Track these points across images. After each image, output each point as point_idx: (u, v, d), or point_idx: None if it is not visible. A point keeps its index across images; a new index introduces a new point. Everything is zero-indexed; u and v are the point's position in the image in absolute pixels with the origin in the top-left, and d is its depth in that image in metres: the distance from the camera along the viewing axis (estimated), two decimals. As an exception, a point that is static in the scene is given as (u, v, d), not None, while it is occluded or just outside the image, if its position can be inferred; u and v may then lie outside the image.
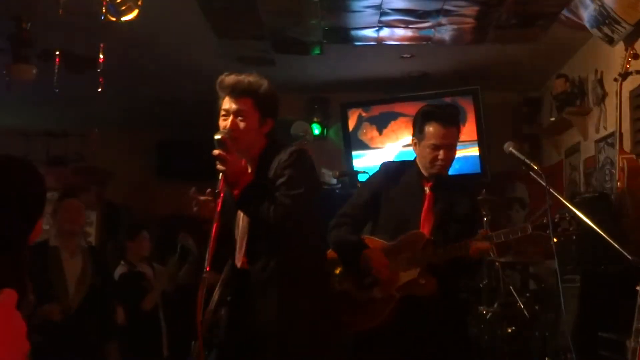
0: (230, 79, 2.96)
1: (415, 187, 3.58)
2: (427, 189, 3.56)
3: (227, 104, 2.94)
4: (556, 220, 3.30)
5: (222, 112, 2.95)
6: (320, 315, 2.93)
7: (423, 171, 3.59)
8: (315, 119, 7.60)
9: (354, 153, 7.31)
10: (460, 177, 4.01)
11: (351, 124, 7.31)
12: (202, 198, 2.96)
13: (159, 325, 5.62)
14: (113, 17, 4.54)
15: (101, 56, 5.41)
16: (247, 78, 2.96)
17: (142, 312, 5.48)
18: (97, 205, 8.77)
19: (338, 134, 7.60)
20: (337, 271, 3.61)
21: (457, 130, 3.59)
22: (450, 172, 3.68)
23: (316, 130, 7.55)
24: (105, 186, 8.90)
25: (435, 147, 3.49)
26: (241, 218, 2.99)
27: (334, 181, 6.55)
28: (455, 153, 3.59)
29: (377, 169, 3.83)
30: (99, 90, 5.47)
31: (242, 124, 2.91)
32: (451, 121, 3.55)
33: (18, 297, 1.48)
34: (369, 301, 3.49)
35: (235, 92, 2.93)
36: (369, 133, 7.30)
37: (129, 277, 5.61)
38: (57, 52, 5.67)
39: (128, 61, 6.48)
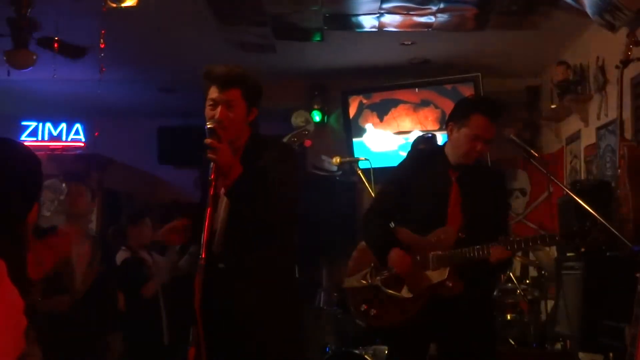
0: (219, 69, 2.97)
1: (443, 177, 3.55)
2: (453, 179, 3.53)
3: (215, 93, 2.94)
4: (586, 228, 3.25)
5: (209, 102, 2.95)
6: (293, 317, 3.00)
7: (451, 159, 3.55)
8: (315, 106, 7.59)
9: (354, 140, 7.31)
10: (487, 167, 3.98)
11: (352, 110, 7.31)
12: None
13: (159, 313, 5.62)
14: (113, 3, 4.53)
15: (102, 42, 5.39)
16: (235, 69, 2.99)
17: (143, 299, 5.49)
18: (98, 191, 8.76)
19: (339, 120, 7.59)
20: (372, 264, 3.62)
21: (497, 125, 3.54)
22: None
23: (317, 117, 7.54)
24: (106, 172, 8.89)
25: (476, 138, 3.44)
26: (222, 208, 2.98)
27: (334, 168, 6.54)
28: (489, 148, 3.54)
29: (405, 156, 3.81)
30: (99, 77, 5.46)
31: (231, 114, 2.93)
32: (497, 117, 3.51)
33: (19, 279, 1.49)
34: (397, 298, 3.50)
35: (225, 82, 2.94)
36: (370, 120, 7.30)
37: (131, 263, 5.62)
38: (56, 39, 5.65)
39: (129, 47, 6.47)
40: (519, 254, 5.06)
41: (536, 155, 3.46)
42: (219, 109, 2.92)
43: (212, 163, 2.81)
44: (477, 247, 3.35)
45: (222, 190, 2.92)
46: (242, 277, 2.92)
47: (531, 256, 5.64)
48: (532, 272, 5.71)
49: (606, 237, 3.24)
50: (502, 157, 6.57)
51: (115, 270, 5.25)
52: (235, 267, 2.93)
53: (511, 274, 5.15)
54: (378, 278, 3.57)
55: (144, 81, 7.63)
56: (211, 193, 2.78)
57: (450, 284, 3.41)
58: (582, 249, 3.24)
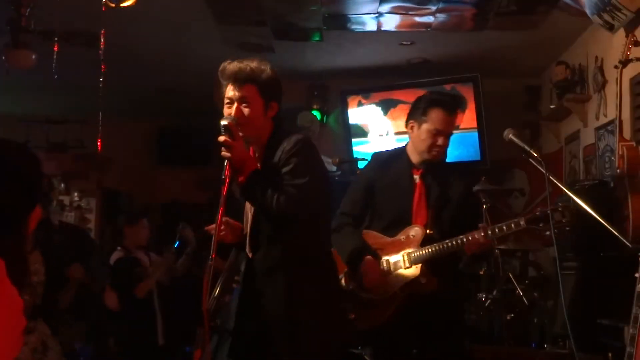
0: (232, 66, 2.95)
1: (405, 176, 3.61)
2: (417, 178, 3.60)
3: (231, 91, 2.94)
4: (549, 211, 3.31)
5: (226, 100, 2.95)
6: (326, 307, 2.91)
7: (413, 158, 3.62)
8: (314, 106, 7.58)
9: (353, 140, 7.31)
10: (451, 164, 4.05)
11: (351, 110, 7.30)
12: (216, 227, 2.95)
13: (154, 313, 5.60)
14: (112, 3, 4.52)
15: (102, 41, 5.38)
16: (249, 65, 2.96)
17: (136, 299, 5.47)
18: (97, 191, 8.77)
19: (337, 120, 7.58)
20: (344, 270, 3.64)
21: (457, 118, 3.65)
22: (451, 159, 3.70)
23: (316, 116, 7.53)
24: (105, 173, 8.89)
25: (437, 133, 3.52)
26: (249, 206, 2.99)
27: (334, 168, 6.54)
28: (449, 142, 3.62)
29: (369, 160, 3.88)
30: (101, 79, 5.45)
31: (246, 111, 2.91)
32: (454, 109, 3.60)
33: (19, 280, 1.48)
34: (374, 301, 3.54)
35: (238, 79, 2.92)
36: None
37: (124, 263, 5.61)
38: (56, 38, 5.63)
39: (128, 47, 6.46)
40: (516, 253, 5.07)
41: (535, 155, 3.45)
42: (234, 106, 2.91)
43: (225, 161, 2.80)
44: (452, 239, 3.39)
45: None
46: (270, 275, 2.89)
47: (530, 256, 5.64)
48: (531, 272, 5.71)
49: (570, 218, 3.29)
50: (501, 157, 6.58)
51: (109, 269, 5.26)
52: (263, 265, 2.91)
53: (510, 274, 5.15)
54: (352, 283, 3.60)
55: (144, 81, 7.62)
56: (224, 193, 2.76)
57: (424, 281, 3.47)
58: (547, 233, 3.28)
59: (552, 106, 6.54)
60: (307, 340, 2.82)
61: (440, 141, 3.52)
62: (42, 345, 3.54)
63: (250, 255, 2.96)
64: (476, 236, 3.36)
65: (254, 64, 2.97)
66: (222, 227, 2.90)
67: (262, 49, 6.49)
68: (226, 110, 2.94)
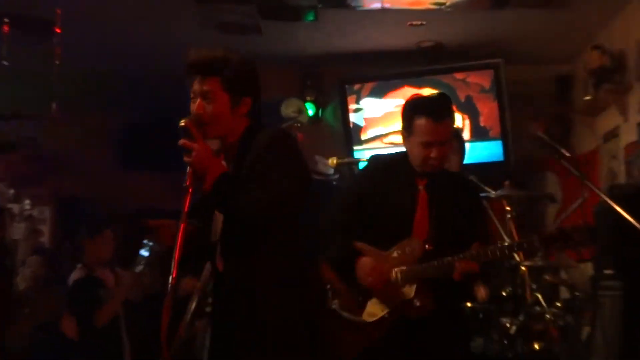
0: (192, 56, 2.99)
1: (408, 185, 3.65)
2: (421, 188, 3.64)
3: (196, 84, 2.98)
4: (568, 231, 3.34)
5: (192, 94, 3.00)
6: (309, 328, 2.94)
7: (416, 167, 3.65)
8: (308, 98, 7.57)
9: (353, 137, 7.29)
10: (461, 175, 4.10)
11: (350, 102, 7.28)
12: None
13: (120, 341, 5.55)
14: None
15: (58, 24, 5.36)
16: (211, 53, 2.98)
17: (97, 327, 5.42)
18: (52, 199, 8.73)
19: (335, 114, 7.56)
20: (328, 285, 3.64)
21: (450, 122, 3.67)
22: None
23: (309, 110, 7.51)
24: (62, 177, 8.84)
25: (427, 145, 3.55)
26: (219, 219, 3.01)
27: (331, 171, 6.51)
28: (449, 148, 3.68)
29: (366, 163, 3.92)
30: (57, 63, 5.42)
31: (209, 107, 2.95)
32: (443, 114, 3.60)
33: None
34: (358, 324, 3.55)
35: (201, 71, 2.96)
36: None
37: (83, 284, 5.56)
38: (7, 20, 5.61)
39: (90, 29, 6.42)
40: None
41: (567, 155, 3.44)
42: (197, 101, 2.95)
43: (188, 167, 2.83)
44: (442, 260, 3.43)
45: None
46: (243, 292, 2.91)
47: (562, 274, 5.62)
48: (564, 293, 5.68)
49: (591, 241, 3.34)
50: (528, 157, 6.56)
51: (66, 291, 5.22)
52: (235, 280, 2.93)
53: (539, 295, 5.12)
54: (335, 301, 3.61)
55: (108, 69, 7.58)
56: (186, 203, 2.77)
57: (419, 303, 3.49)
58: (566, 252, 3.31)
59: (586, 98, 6.53)
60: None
61: (433, 153, 3.55)
62: None
63: (220, 268, 2.99)
64: (464, 260, 3.40)
65: (218, 53, 2.99)
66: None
67: (247, 31, 6.47)
68: (192, 106, 2.98)
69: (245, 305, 2.90)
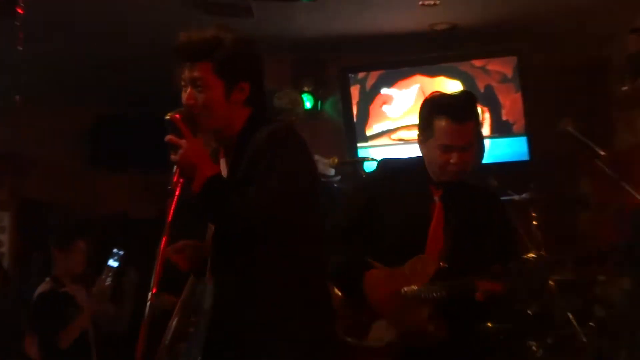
0: (182, 41, 2.99)
1: (422, 194, 3.67)
2: (436, 199, 3.66)
3: (184, 71, 2.98)
4: (605, 251, 3.37)
5: (182, 83, 2.99)
6: (317, 346, 2.94)
7: (432, 175, 3.67)
8: (305, 88, 7.57)
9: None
10: (485, 187, 4.12)
11: (354, 94, 7.29)
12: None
13: None
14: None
15: (20, 3, 5.37)
16: (201, 35, 2.98)
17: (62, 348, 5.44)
18: (13, 203, 8.73)
19: (336, 107, 7.57)
20: None
21: (475, 124, 3.69)
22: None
23: (307, 102, 7.51)
24: (24, 178, 8.85)
25: (447, 149, 3.56)
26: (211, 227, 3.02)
27: (332, 172, 6.52)
28: (473, 154, 3.67)
29: (375, 167, 3.94)
30: (19, 48, 5.43)
31: (201, 96, 2.94)
32: (467, 115, 3.61)
33: None
34: (364, 349, 3.56)
35: (190, 55, 2.96)
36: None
37: (48, 299, 5.58)
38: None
39: (57, 10, 6.43)
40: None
41: (602, 153, 3.45)
42: (187, 90, 2.95)
43: (175, 166, 2.84)
44: (461, 279, 3.44)
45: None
46: (237, 304, 2.91)
47: (596, 290, 5.62)
48: (598, 310, 5.68)
49: (631, 261, 3.33)
50: (556, 155, 6.56)
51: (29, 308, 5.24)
52: (229, 295, 2.93)
53: (569, 314, 5.13)
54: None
55: (76, 55, 7.59)
56: (171, 210, 2.77)
57: (432, 328, 3.48)
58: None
59: (624, 88, 6.53)
60: None
61: (454, 158, 3.56)
62: None
63: (210, 282, 3.00)
64: (486, 281, 3.42)
65: (209, 33, 2.98)
66: (180, 254, 2.95)
67: (236, 12, 6.47)
68: (183, 96, 2.97)
69: (239, 331, 2.90)
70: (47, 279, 5.73)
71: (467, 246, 3.55)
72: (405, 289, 3.52)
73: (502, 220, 3.78)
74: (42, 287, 5.67)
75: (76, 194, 8.94)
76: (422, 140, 3.65)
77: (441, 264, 3.53)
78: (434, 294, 3.48)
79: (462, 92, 3.85)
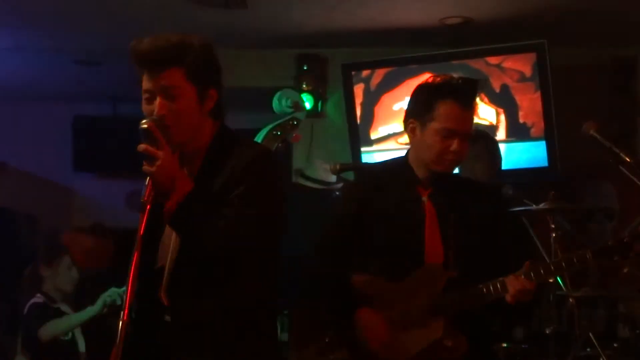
0: (145, 45, 2.96)
1: (409, 197, 3.69)
2: (425, 199, 3.68)
3: (148, 81, 2.96)
4: (625, 240, 3.38)
5: (145, 94, 2.98)
6: None
7: (419, 171, 3.69)
8: (305, 87, 7.58)
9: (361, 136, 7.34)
10: (474, 180, 4.16)
11: (358, 93, 7.32)
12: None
13: None
14: None
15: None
16: (164, 39, 2.96)
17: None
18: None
19: (338, 108, 7.60)
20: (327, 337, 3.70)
21: (474, 113, 3.73)
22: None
23: (307, 103, 7.52)
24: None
25: (449, 134, 3.59)
26: (172, 238, 3.01)
27: (332, 178, 6.54)
28: (467, 147, 3.69)
29: (354, 177, 3.90)
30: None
31: (174, 106, 2.93)
32: (471, 101, 3.68)
33: None
34: None
35: (156, 62, 2.94)
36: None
37: (41, 308, 5.64)
38: None
39: (34, 3, 6.46)
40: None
41: (628, 159, 3.49)
42: (157, 101, 2.93)
43: (148, 178, 2.83)
44: (487, 283, 3.44)
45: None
46: (194, 334, 2.93)
47: (620, 307, 5.65)
48: (622, 330, 5.71)
49: None
50: (578, 162, 6.59)
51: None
52: (185, 320, 2.94)
53: (591, 334, 5.16)
54: (336, 356, 3.65)
55: (56, 50, 7.62)
56: (142, 225, 2.77)
57: (450, 343, 3.51)
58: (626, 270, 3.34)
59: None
60: None
61: (454, 145, 3.58)
62: None
63: (166, 302, 2.99)
64: (518, 279, 3.42)
65: (174, 37, 2.97)
66: None
67: (228, 4, 6.49)
68: (146, 108, 2.96)
69: (193, 355, 2.93)
70: (37, 295, 5.77)
71: (470, 248, 3.57)
72: (416, 304, 3.54)
73: (504, 212, 3.79)
74: (34, 299, 5.73)
75: (54, 201, 8.98)
76: (419, 127, 3.65)
77: (450, 272, 3.55)
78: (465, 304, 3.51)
79: (466, 78, 3.87)
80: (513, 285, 3.41)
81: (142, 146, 2.83)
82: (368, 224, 3.70)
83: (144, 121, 2.87)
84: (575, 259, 3.44)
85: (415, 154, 3.71)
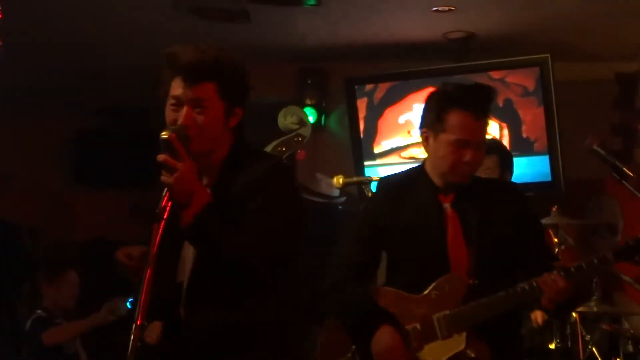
0: (187, 54, 2.97)
1: (430, 206, 3.66)
2: (447, 206, 3.64)
3: (179, 88, 2.96)
4: (631, 243, 3.39)
5: (172, 100, 2.98)
6: None
7: (437, 180, 3.67)
8: (308, 101, 7.59)
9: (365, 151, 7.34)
10: (490, 180, 4.12)
11: (361, 107, 7.32)
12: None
13: None
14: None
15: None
16: (208, 53, 2.98)
17: None
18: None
19: (341, 122, 7.60)
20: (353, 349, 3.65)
21: (487, 122, 3.65)
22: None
23: (310, 117, 7.53)
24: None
25: (462, 145, 3.54)
26: (190, 250, 3.02)
27: (336, 192, 6.54)
28: (483, 156, 3.68)
29: (374, 189, 3.94)
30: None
31: (201, 118, 2.95)
32: (485, 109, 3.61)
33: None
34: None
35: (193, 73, 2.96)
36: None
37: (43, 323, 5.64)
38: None
39: (37, 18, 6.47)
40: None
41: (631, 174, 3.48)
42: (184, 110, 2.95)
43: (165, 189, 2.82)
44: (518, 285, 3.41)
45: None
46: (210, 350, 2.94)
47: (624, 323, 5.63)
48: (627, 346, 5.70)
49: None
50: (581, 177, 6.59)
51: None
52: (200, 336, 2.95)
53: (594, 350, 5.16)
54: None
55: (58, 61, 7.63)
56: (157, 238, 2.76)
57: (473, 354, 3.48)
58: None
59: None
60: None
61: (468, 156, 3.54)
62: None
63: (184, 316, 3.00)
64: (553, 278, 3.38)
65: (213, 52, 3.00)
66: None
67: (231, 17, 6.50)
68: (170, 114, 2.97)
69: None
70: (38, 311, 5.76)
71: (495, 254, 3.55)
72: (437, 315, 3.51)
73: (527, 214, 3.73)
74: (35, 315, 5.73)
75: (55, 215, 8.97)
76: (432, 137, 3.62)
77: (470, 281, 3.51)
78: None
79: (479, 84, 3.79)
80: (548, 285, 3.38)
81: (161, 156, 2.84)
82: (388, 235, 3.67)
83: (164, 132, 2.88)
84: (595, 260, 3.44)
85: (431, 163, 3.69)
